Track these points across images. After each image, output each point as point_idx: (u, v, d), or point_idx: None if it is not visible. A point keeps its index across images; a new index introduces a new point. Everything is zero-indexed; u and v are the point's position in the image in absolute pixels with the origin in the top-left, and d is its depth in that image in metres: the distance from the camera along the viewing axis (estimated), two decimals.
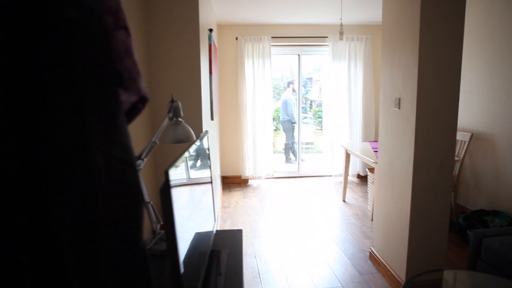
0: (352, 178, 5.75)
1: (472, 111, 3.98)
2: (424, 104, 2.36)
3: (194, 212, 1.40)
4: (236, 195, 5.00)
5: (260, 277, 2.86)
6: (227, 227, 3.87)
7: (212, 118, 3.27)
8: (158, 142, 1.53)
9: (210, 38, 3.07)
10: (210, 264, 1.58)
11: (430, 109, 2.37)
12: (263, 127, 5.53)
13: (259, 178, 5.64)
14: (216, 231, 1.93)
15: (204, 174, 1.70)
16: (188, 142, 1.72)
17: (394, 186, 2.70)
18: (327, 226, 3.87)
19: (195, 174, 1.50)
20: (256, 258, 3.17)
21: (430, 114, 2.37)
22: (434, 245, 2.57)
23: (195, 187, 1.50)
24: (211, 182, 1.83)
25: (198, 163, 1.62)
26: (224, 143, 5.59)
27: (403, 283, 2.57)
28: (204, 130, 2.38)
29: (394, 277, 2.68)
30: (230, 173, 5.67)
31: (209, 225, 1.70)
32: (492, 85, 3.69)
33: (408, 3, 2.41)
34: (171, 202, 0.97)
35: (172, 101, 1.70)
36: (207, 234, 1.61)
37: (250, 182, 5.68)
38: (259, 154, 5.57)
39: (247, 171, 5.58)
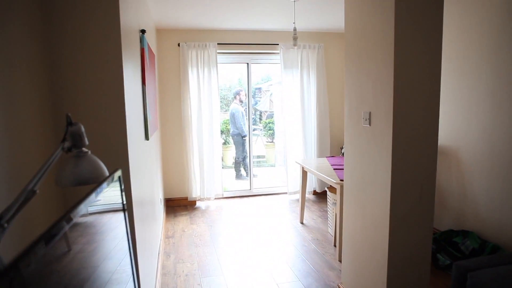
0: (308, 195, 5.38)
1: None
2: (402, 119, 1.99)
3: None
4: (182, 221, 4.41)
5: None
6: (170, 263, 3.28)
7: (147, 138, 2.70)
8: (37, 191, 0.97)
9: (142, 41, 2.53)
10: None
11: (408, 125, 2.01)
12: (210, 142, 5.00)
13: (208, 199, 5.09)
14: None
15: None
16: (98, 181, 1.18)
17: (366, 215, 2.31)
18: (285, 255, 3.42)
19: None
20: None
21: (409, 131, 2.01)
22: (416, 281, 2.20)
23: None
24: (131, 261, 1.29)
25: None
26: (168, 161, 4.99)
27: None
28: (131, 156, 1.83)
29: None
30: (175, 195, 5.06)
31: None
32: (456, 96, 3.48)
33: (379, 7, 2.05)
34: None
35: (70, 123, 1.15)
36: None
37: (198, 204, 5.11)
38: (207, 172, 5.03)
39: (194, 192, 5.01)
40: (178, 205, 5.04)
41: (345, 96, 2.54)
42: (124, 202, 1.27)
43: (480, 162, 3.22)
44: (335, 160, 4.14)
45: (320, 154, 5.29)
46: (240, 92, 6.75)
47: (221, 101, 10.61)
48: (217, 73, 4.89)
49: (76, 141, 1.16)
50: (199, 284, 2.92)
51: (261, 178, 7.27)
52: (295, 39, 3.35)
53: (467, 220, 3.36)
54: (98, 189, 1.06)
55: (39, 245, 0.64)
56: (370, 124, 2.21)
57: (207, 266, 3.22)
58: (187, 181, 5.01)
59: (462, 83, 3.39)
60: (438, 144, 3.70)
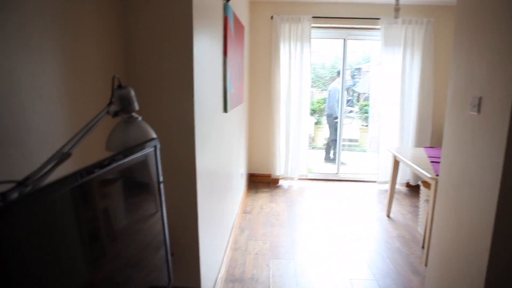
0: (400, 187, 4.90)
1: None
2: None
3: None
4: (262, 198, 4.37)
5: None
6: (243, 239, 3.26)
7: (225, 110, 2.64)
8: (71, 153, 0.93)
9: (226, 9, 2.42)
10: None
11: None
12: (298, 121, 4.82)
13: (291, 178, 4.96)
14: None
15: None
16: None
17: (462, 220, 1.93)
18: (365, 250, 3.14)
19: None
20: None
21: None
22: None
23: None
24: (163, 230, 1.20)
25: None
26: (253, 137, 4.96)
27: None
28: (197, 128, 1.75)
29: None
30: (258, 171, 5.04)
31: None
32: None
33: None
34: None
35: (118, 86, 1.09)
36: None
37: (280, 182, 5.02)
38: (293, 151, 4.88)
39: (278, 170, 4.92)
40: (260, 181, 5.02)
41: (449, 77, 2.13)
42: (159, 172, 1.18)
43: None
44: (434, 152, 3.64)
45: (418, 144, 4.74)
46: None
47: (317, 80, 10.30)
48: (310, 48, 4.63)
49: (125, 106, 1.10)
50: (267, 265, 2.84)
51: (351, 164, 6.89)
52: (397, 10, 2.93)
53: None
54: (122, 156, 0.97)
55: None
56: (479, 112, 1.81)
57: (279, 248, 3.12)
58: (271, 158, 4.94)
59: None
60: None
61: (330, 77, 9.80)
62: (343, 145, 5.22)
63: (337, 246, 3.18)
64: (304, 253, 3.05)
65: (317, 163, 6.84)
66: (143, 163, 1.10)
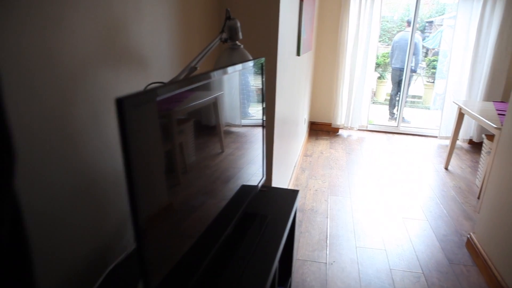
0: (462, 143, 4.86)
1: None
2: None
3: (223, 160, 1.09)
4: (322, 144, 4.59)
5: (326, 242, 2.53)
6: (304, 177, 3.55)
7: (298, 54, 2.82)
8: (198, 68, 1.20)
9: None
10: (235, 232, 1.27)
11: None
12: (363, 72, 4.85)
13: (351, 128, 5.09)
14: (263, 187, 1.60)
15: (249, 114, 1.35)
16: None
17: None
18: (419, 194, 3.30)
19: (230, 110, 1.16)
20: (327, 219, 2.82)
21: None
22: None
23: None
24: (263, 127, 1.47)
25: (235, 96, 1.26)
26: (317, 85, 5.09)
27: None
28: (279, 66, 1.98)
29: (496, 278, 2.12)
30: (319, 119, 5.22)
31: (252, 179, 1.38)
32: None
33: None
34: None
35: (228, 18, 1.33)
36: (245, 189, 1.29)
37: (340, 132, 5.18)
38: (355, 101, 4.97)
39: (339, 120, 5.07)
40: (321, 129, 5.21)
41: None
42: (264, 88, 1.43)
43: None
44: (504, 106, 3.58)
45: (488, 98, 4.61)
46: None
47: (383, 34, 9.89)
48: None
49: (232, 34, 1.35)
50: (326, 200, 3.11)
51: (413, 119, 6.80)
52: None
53: None
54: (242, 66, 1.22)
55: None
56: None
57: (336, 187, 3.37)
58: (333, 108, 5.08)
59: None
60: None
61: (398, 31, 9.37)
62: (406, 101, 5.15)
63: (392, 190, 3.36)
64: (360, 193, 3.28)
65: (379, 118, 6.83)
66: (254, 74, 1.35)
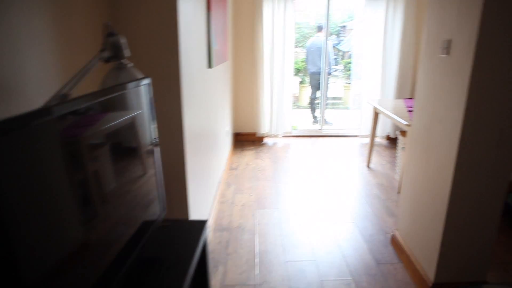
0: (381, 140, 5.06)
1: None
2: (487, 49, 1.65)
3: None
4: (248, 155, 4.48)
5: (255, 260, 2.39)
6: (230, 193, 3.39)
7: (210, 66, 2.67)
8: (70, 94, 0.98)
9: None
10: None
11: (494, 57, 1.66)
12: (281, 79, 4.85)
13: (276, 136, 5.07)
14: (165, 222, 1.40)
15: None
16: None
17: (430, 158, 2.06)
18: (345, 197, 3.31)
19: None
20: (256, 235, 2.68)
21: (493, 64, 1.67)
22: (478, 239, 1.96)
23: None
24: (151, 151, 1.28)
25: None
26: (239, 96, 4.99)
27: (431, 284, 2.02)
28: (184, 80, 1.80)
29: (419, 272, 2.12)
30: (244, 129, 5.12)
31: (148, 215, 1.18)
32: None
33: None
34: None
35: (110, 34, 1.13)
36: (140, 229, 1.08)
37: (265, 140, 5.13)
38: (277, 109, 4.95)
39: (263, 128, 5.01)
40: (246, 140, 5.11)
41: (424, 22, 2.19)
42: (152, 108, 1.24)
43: None
44: (412, 103, 3.75)
45: (399, 96, 4.86)
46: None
47: (302, 39, 10.20)
48: (293, 7, 4.59)
49: (116, 52, 1.15)
50: (253, 215, 2.98)
51: (335, 121, 7.01)
52: None
53: None
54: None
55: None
56: (448, 53, 1.89)
57: (264, 199, 3.26)
58: (256, 117, 5.01)
59: None
60: None
61: (311, 37, 9.72)
62: (326, 103, 5.28)
63: (319, 195, 3.34)
64: (288, 203, 3.20)
65: (303, 122, 6.94)
66: (135, 97, 1.16)
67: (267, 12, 4.59)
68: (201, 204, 2.44)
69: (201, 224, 1.39)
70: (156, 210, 1.25)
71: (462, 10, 1.74)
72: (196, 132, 2.26)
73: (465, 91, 1.71)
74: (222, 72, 3.56)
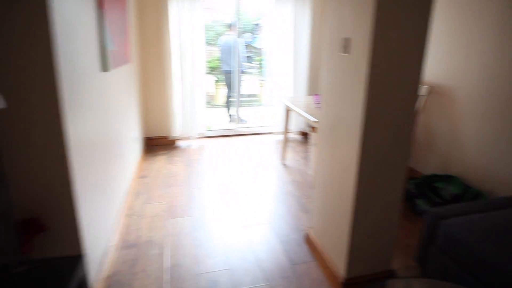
0: (295, 135, 5.15)
1: (432, 61, 3.39)
2: (381, 47, 1.66)
3: None
4: (160, 161, 4.23)
5: (165, 277, 2.20)
6: (139, 204, 3.13)
7: (106, 69, 2.40)
8: None
9: None
10: None
11: (388, 55, 1.69)
12: (194, 80, 4.66)
13: (189, 138, 4.87)
14: (25, 263, 1.16)
15: None
16: None
17: (336, 155, 2.07)
18: (261, 197, 3.25)
19: None
20: (166, 248, 2.49)
21: (388, 61, 1.70)
22: (383, 230, 2.02)
23: None
24: None
25: None
26: (149, 98, 4.68)
27: (342, 280, 2.03)
28: (65, 90, 1.54)
29: (331, 269, 2.13)
30: (155, 133, 4.83)
31: None
32: (456, 31, 3.09)
33: None
34: None
35: None
36: None
37: (178, 143, 4.90)
38: (190, 110, 4.75)
39: (175, 131, 4.77)
40: (158, 144, 4.84)
41: (328, 21, 2.18)
42: None
43: (475, 102, 2.92)
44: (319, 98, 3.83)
45: (311, 92, 4.98)
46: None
47: (216, 37, 10.05)
48: (201, 5, 4.42)
49: None
50: (164, 226, 2.78)
51: (252, 119, 7.01)
52: None
53: (453, 164, 3.14)
54: None
55: None
56: (348, 52, 1.89)
57: (176, 208, 3.07)
58: (168, 120, 4.75)
59: (462, 15, 2.98)
60: (431, 83, 3.37)
61: (224, 35, 9.64)
62: (241, 101, 5.21)
63: (235, 197, 3.24)
64: (202, 208, 3.05)
65: (220, 122, 6.81)
66: None
67: (173, 10, 4.35)
68: (101, 220, 2.19)
69: (76, 260, 1.17)
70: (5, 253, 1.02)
71: (358, 8, 1.75)
72: (90, 142, 2.00)
73: (364, 89, 1.71)
74: (124, 75, 3.27)
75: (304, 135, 5.17)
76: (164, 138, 4.83)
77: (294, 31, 4.75)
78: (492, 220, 1.91)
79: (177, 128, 4.78)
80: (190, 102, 4.73)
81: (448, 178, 2.99)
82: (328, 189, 2.19)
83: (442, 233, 1.95)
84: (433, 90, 3.35)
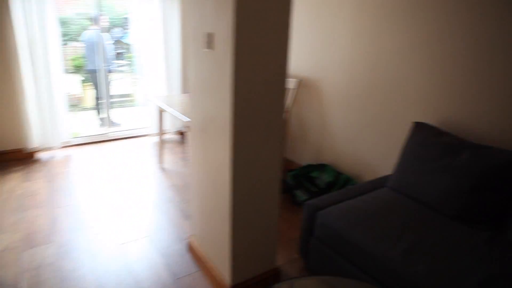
0: (173, 135, 4.92)
1: (299, 54, 3.53)
2: (245, 42, 1.58)
3: None
4: (13, 179, 3.57)
5: None
6: None
7: None
8: None
9: None
10: None
11: (253, 50, 1.62)
12: (49, 81, 4.05)
13: (52, 148, 4.25)
14: None
15: None
16: None
17: (209, 156, 1.95)
18: (138, 208, 2.98)
19: None
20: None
21: (253, 56, 1.63)
22: (264, 228, 1.99)
23: None
24: None
25: None
26: None
27: (228, 287, 1.94)
28: None
29: (216, 278, 2.03)
30: (6, 147, 4.08)
31: None
32: (320, 23, 3.25)
33: None
34: None
35: None
36: None
37: (38, 156, 4.24)
38: (49, 116, 4.13)
39: (32, 142, 4.11)
40: (11, 159, 4.10)
41: (190, 14, 2.03)
42: None
43: (339, 93, 3.12)
44: None
45: (186, 90, 4.80)
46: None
47: (80, 32, 9.05)
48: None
49: None
50: (18, 259, 2.32)
51: (125, 120, 6.51)
52: None
53: (325, 153, 3.34)
54: None
55: None
56: (212, 48, 1.77)
57: (35, 234, 2.61)
58: (20, 129, 4.06)
59: (325, 11, 3.16)
60: (299, 76, 3.52)
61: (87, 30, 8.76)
62: (113, 102, 4.75)
63: (108, 211, 2.91)
64: (68, 231, 2.65)
65: (90, 126, 6.15)
66: None
67: (16, 3, 3.68)
68: None
69: None
70: None
71: (219, 1, 1.64)
72: None
73: (230, 86, 1.62)
74: None
75: (182, 134, 4.99)
76: (18, 151, 4.12)
77: (163, 26, 4.50)
78: (361, 205, 2.03)
79: (35, 137, 4.12)
80: (49, 107, 4.11)
81: (322, 167, 3.15)
82: (205, 193, 2.07)
83: (319, 224, 2.00)
84: (302, 83, 3.50)
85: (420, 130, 2.23)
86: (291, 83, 3.37)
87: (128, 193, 3.25)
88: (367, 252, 1.72)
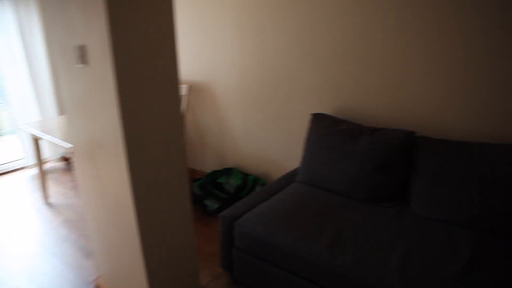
0: (56, 163, 4.33)
1: (186, 59, 3.36)
2: (126, 52, 1.38)
3: None
4: None
5: None
6: None
7: None
8: None
9: None
10: None
11: (137, 60, 1.42)
12: None
13: None
14: None
15: None
16: None
17: (103, 183, 1.70)
18: (23, 259, 2.51)
19: None
20: None
21: (138, 67, 1.43)
22: (181, 250, 1.81)
23: None
24: None
25: None
26: None
27: None
28: None
29: None
30: None
31: None
32: (203, 25, 3.13)
33: None
34: None
35: None
36: None
37: None
38: None
39: None
40: None
41: (47, 25, 1.72)
42: None
43: (234, 94, 3.07)
44: None
45: (64, 111, 4.26)
46: None
47: None
48: None
49: None
50: None
51: None
52: None
53: (229, 157, 3.26)
54: None
55: None
56: (86, 63, 1.52)
57: None
58: None
59: (207, 11, 3.05)
60: (189, 81, 3.37)
61: None
62: None
63: None
64: None
65: None
66: None
67: None
68: None
69: None
70: None
71: (87, 8, 1.40)
72: None
73: (116, 103, 1.41)
74: None
75: (67, 160, 4.43)
76: None
77: (22, 39, 3.88)
78: (275, 205, 1.99)
79: None
80: None
81: (228, 171, 3.07)
82: (106, 224, 1.81)
83: (238, 234, 1.91)
84: (193, 88, 3.36)
85: (319, 120, 2.28)
86: (182, 89, 3.21)
87: (7, 241, 2.72)
88: (291, 253, 1.68)
